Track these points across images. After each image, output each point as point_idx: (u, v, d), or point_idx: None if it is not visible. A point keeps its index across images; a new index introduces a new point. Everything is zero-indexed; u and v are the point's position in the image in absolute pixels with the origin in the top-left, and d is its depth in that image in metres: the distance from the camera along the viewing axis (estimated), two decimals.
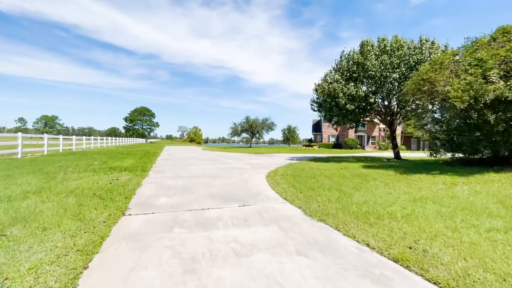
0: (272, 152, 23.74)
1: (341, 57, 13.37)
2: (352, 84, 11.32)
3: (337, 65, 13.33)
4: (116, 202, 4.24)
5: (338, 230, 3.29)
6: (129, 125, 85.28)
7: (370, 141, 42.70)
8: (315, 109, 14.06)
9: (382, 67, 10.76)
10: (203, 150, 26.17)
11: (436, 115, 9.98)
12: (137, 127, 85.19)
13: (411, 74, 10.44)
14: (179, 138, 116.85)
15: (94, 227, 3.08)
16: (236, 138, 50.13)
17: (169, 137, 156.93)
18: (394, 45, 10.99)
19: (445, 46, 10.68)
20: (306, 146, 49.13)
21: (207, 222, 3.55)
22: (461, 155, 9.71)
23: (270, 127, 47.20)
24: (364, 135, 42.55)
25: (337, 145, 43.50)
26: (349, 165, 10.97)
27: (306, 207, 4.27)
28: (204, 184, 6.30)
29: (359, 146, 39.55)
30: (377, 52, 11.33)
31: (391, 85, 11.20)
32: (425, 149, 43.90)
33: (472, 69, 7.58)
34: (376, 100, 11.27)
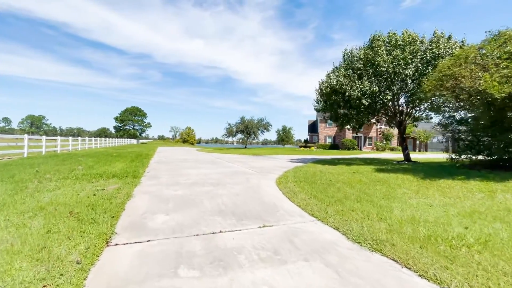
0: (270, 153, 22.84)
1: (344, 55, 12.59)
2: (364, 79, 10.50)
3: (339, 64, 12.51)
4: (98, 224, 3.22)
5: (409, 269, 2.38)
6: (120, 125, 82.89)
7: (367, 142, 42.33)
8: (320, 108, 13.20)
9: (395, 63, 10.00)
10: (198, 151, 25.05)
11: (454, 114, 9.24)
12: (128, 128, 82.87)
13: (427, 70, 9.72)
14: (171, 138, 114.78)
15: (61, 275, 2.07)
16: (231, 139, 49.06)
17: (161, 138, 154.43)
18: (407, 39, 10.23)
19: (462, 41, 10.00)
20: (303, 147, 48.46)
21: (224, 255, 2.59)
22: (480, 157, 9.02)
23: (265, 127, 46.34)
24: (361, 136, 42.14)
25: (334, 146, 42.97)
26: (360, 168, 10.15)
27: (345, 228, 3.35)
28: (208, 194, 5.31)
29: (357, 147, 39.10)
30: (388, 48, 10.57)
31: (402, 83, 10.44)
32: (422, 149, 43.84)
33: (504, 63, 6.85)
34: (391, 97, 10.47)
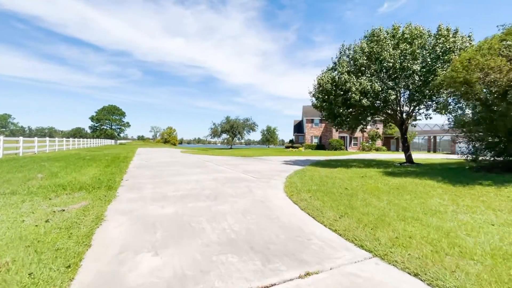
0: (259, 154, 21.72)
1: (340, 52, 11.75)
2: (365, 78, 9.68)
3: (339, 59, 11.63)
4: None
5: None
6: (96, 125, 77.93)
7: (352, 142, 42.45)
8: (318, 105, 12.23)
9: (402, 58, 9.24)
10: (182, 153, 23.39)
11: (467, 111, 8.60)
12: (105, 127, 78.11)
13: (436, 65, 9.04)
14: (151, 139, 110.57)
15: None
16: (216, 139, 47.40)
17: (141, 138, 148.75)
18: (414, 32, 9.50)
19: (469, 36, 9.45)
20: (289, 147, 47.87)
21: None
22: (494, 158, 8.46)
23: (251, 127, 45.16)
24: (346, 136, 42.16)
25: (320, 146, 42.70)
26: (366, 172, 9.29)
27: (429, 275, 2.27)
28: (208, 213, 4.07)
29: (343, 147, 39.01)
30: (393, 42, 9.80)
31: (408, 79, 9.70)
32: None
33: None
34: (395, 95, 9.71)
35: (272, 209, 4.47)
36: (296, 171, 9.70)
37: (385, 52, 9.40)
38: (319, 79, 11.39)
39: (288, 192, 5.71)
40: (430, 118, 12.67)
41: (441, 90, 8.52)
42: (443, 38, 9.15)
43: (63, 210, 3.82)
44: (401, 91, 10.21)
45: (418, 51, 9.17)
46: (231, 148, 43.10)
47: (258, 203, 4.83)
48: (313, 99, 12.75)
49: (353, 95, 9.59)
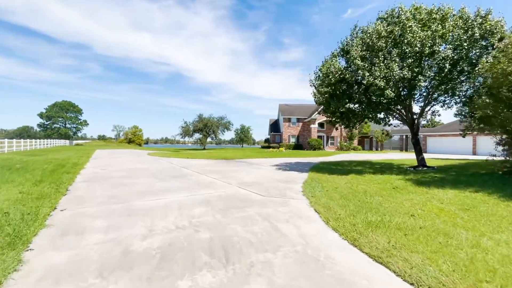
0: (240, 156, 19.38)
1: (351, 34, 9.91)
2: (383, 64, 7.91)
3: (346, 44, 9.70)
4: None
5: None
6: (47, 123, 68.43)
7: (329, 141, 41.99)
8: (322, 101, 10.25)
9: (431, 41, 7.64)
10: (150, 155, 20.09)
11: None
12: (57, 126, 68.93)
13: (474, 51, 7.60)
14: (114, 138, 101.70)
15: None
16: (187, 139, 43.72)
17: (102, 138, 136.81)
18: (447, 11, 7.96)
19: (499, 20, 8.13)
20: (266, 147, 46.13)
21: None
22: None
23: (226, 126, 42.38)
24: (323, 136, 41.56)
25: (298, 146, 41.58)
26: (387, 181, 7.57)
27: None
28: None
29: (322, 146, 38.22)
30: (415, 23, 8.14)
31: (435, 67, 8.09)
32: (378, 149, 45.57)
33: None
34: (424, 83, 8.05)
35: (355, 284, 2.25)
36: (305, 181, 7.61)
37: (409, 34, 7.73)
38: (326, 69, 9.35)
39: (339, 228, 3.54)
40: (439, 115, 11.52)
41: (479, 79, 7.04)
42: (479, 19, 7.71)
43: None
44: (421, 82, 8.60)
45: (451, 33, 7.66)
46: (204, 149, 39.99)
47: (311, 265, 2.59)
48: (316, 94, 10.66)
49: (376, 81, 7.73)
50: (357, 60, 8.25)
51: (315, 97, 10.71)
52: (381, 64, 7.86)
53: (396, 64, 7.81)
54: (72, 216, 4.04)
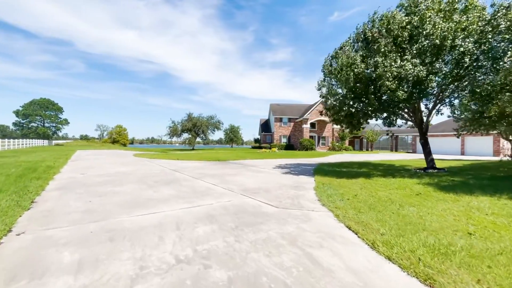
0: (233, 157, 18.39)
1: (368, 21, 8.93)
2: (400, 60, 7.18)
3: (358, 36, 8.78)
4: None
5: None
6: (23, 121, 64.31)
7: (320, 141, 41.66)
8: (333, 101, 9.30)
9: (453, 34, 6.98)
10: (136, 156, 18.71)
11: None
12: (35, 125, 64.95)
13: (495, 45, 7.01)
14: (97, 138, 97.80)
15: None
16: (175, 139, 42.07)
17: (84, 138, 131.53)
18: (470, 1, 7.33)
19: None
20: (257, 147, 45.28)
21: None
22: None
23: (216, 126, 41.08)
24: (315, 136, 41.19)
25: (289, 146, 41.00)
26: (406, 185, 6.86)
27: None
28: None
29: (314, 147, 37.77)
30: (434, 13, 7.45)
31: (453, 62, 7.45)
32: (369, 149, 45.71)
33: None
34: (436, 84, 7.43)
35: None
36: (316, 187, 6.77)
37: (429, 25, 7.06)
38: (332, 62, 8.48)
39: (395, 257, 2.67)
40: (442, 114, 11.03)
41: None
42: (504, 9, 7.12)
43: None
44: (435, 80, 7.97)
45: (475, 26, 7.01)
46: (193, 149, 38.57)
47: None
48: (328, 95, 9.71)
49: (387, 82, 7.02)
50: (378, 57, 7.41)
51: (325, 96, 9.81)
52: (397, 59, 7.13)
53: (409, 61, 7.08)
54: (31, 244, 2.97)
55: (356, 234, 3.39)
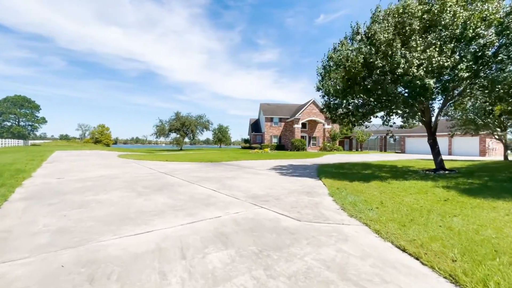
0: (226, 158, 17.47)
1: (376, 11, 8.24)
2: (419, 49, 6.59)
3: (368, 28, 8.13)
4: None
5: None
6: None
7: (311, 142, 41.37)
8: (339, 92, 8.63)
9: (474, 24, 6.48)
10: (121, 157, 17.38)
11: None
12: (9, 124, 60.85)
13: None
14: (79, 138, 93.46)
15: None
16: (162, 139, 40.41)
17: (64, 138, 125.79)
18: None
19: None
20: (247, 147, 44.42)
21: None
22: None
23: (206, 126, 39.83)
24: (306, 136, 40.86)
25: (280, 146, 40.46)
26: (427, 190, 6.27)
27: None
28: None
29: (306, 147, 37.38)
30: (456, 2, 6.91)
31: (470, 56, 6.97)
32: (359, 149, 45.91)
33: None
34: (467, 74, 6.87)
35: None
36: (331, 193, 6.02)
37: (449, 14, 6.52)
38: (346, 55, 7.74)
39: None
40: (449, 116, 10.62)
41: None
42: None
43: None
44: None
45: (497, 16, 6.55)
46: (181, 149, 37.17)
47: None
48: (321, 84, 9.09)
49: (413, 69, 6.36)
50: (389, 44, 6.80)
51: (325, 89, 9.14)
52: (418, 48, 6.55)
53: (436, 50, 6.52)
54: None
55: (418, 260, 2.64)
